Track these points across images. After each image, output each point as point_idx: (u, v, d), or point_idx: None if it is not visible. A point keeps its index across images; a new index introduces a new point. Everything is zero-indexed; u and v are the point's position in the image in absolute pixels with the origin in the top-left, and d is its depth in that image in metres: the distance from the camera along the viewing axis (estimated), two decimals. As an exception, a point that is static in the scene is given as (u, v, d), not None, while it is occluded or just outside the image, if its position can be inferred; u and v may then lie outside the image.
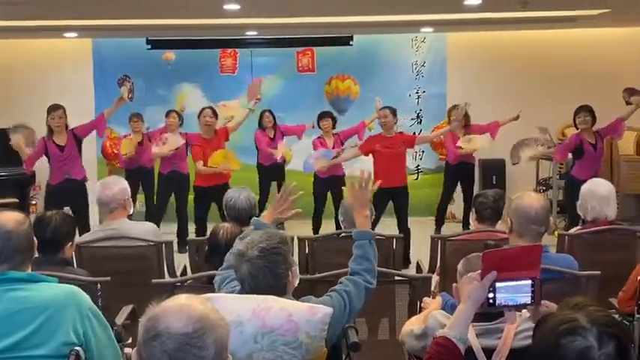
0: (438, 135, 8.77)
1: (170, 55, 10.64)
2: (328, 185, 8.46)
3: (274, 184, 9.21)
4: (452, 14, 8.90)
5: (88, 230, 5.48)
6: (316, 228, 8.41)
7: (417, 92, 10.82)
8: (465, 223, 8.93)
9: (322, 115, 8.74)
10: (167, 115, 8.66)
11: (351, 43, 10.57)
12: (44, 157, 7.40)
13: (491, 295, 2.07)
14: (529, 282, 2.07)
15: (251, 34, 10.44)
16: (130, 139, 8.97)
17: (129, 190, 4.75)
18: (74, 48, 10.59)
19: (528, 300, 2.08)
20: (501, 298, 2.08)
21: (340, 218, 5.28)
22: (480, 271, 2.11)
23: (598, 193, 4.62)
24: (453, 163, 8.89)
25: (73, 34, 10.10)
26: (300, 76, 10.82)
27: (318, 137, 8.70)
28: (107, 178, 4.94)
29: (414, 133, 10.45)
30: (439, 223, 9.11)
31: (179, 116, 8.72)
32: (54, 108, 7.34)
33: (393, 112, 7.96)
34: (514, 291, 2.08)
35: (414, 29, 10.39)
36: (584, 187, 4.71)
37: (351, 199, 3.22)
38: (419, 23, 9.76)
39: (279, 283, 2.72)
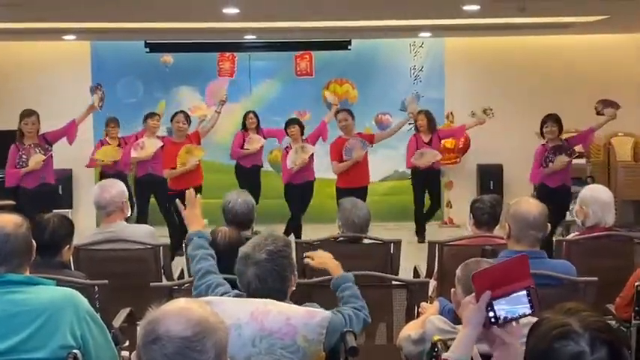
0: (395, 130, 8.80)
1: (168, 58, 10.63)
2: (301, 191, 8.53)
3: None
4: (451, 19, 8.91)
5: None
6: (298, 232, 8.42)
7: (415, 97, 10.82)
8: (418, 230, 9.26)
9: (289, 123, 8.70)
10: (150, 117, 8.61)
11: (349, 47, 10.59)
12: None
13: (491, 314, 2.08)
14: (524, 292, 2.07)
15: (249, 37, 10.45)
16: (111, 147, 8.97)
17: (127, 192, 4.76)
18: (73, 50, 10.59)
19: (528, 310, 2.09)
20: (501, 313, 2.09)
21: (338, 223, 5.27)
22: (474, 294, 2.12)
23: (600, 199, 4.61)
24: (420, 169, 9.05)
25: (72, 37, 10.11)
26: (298, 80, 10.82)
27: (286, 147, 8.68)
28: (104, 180, 4.95)
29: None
30: (421, 232, 9.22)
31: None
32: (28, 114, 7.36)
33: (352, 114, 8.23)
34: (512, 304, 2.09)
35: (412, 34, 10.42)
36: (585, 193, 4.68)
37: (316, 263, 3.41)
38: (417, 28, 9.77)
39: (284, 287, 2.74)
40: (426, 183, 9.17)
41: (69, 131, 7.71)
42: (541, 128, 7.73)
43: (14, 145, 7.41)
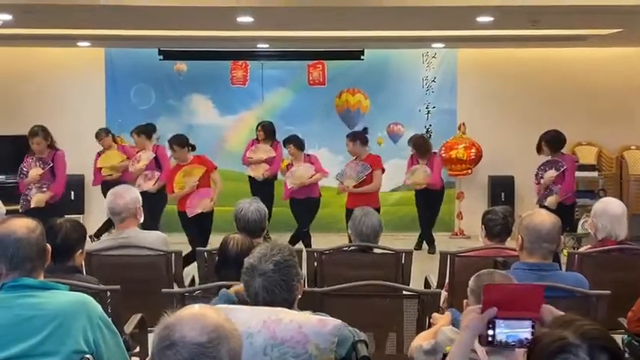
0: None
1: (182, 66, 10.69)
2: (304, 206, 8.52)
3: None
4: (464, 31, 8.91)
5: None
6: (307, 241, 8.38)
7: (426, 107, 10.83)
8: (427, 241, 9.32)
9: (286, 141, 8.66)
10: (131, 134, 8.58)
11: (362, 57, 10.60)
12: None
13: (490, 332, 2.08)
14: (529, 322, 2.07)
15: (262, 46, 10.48)
16: (111, 152, 8.93)
17: (140, 199, 4.78)
18: (87, 57, 10.65)
19: (526, 341, 2.08)
20: (500, 335, 2.09)
21: (349, 231, 5.28)
22: (480, 305, 2.12)
23: (610, 212, 4.58)
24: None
25: (86, 44, 10.17)
26: (310, 89, 10.85)
27: (287, 165, 8.69)
28: (118, 187, 4.96)
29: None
30: (431, 242, 9.31)
31: (140, 134, 8.60)
32: (33, 133, 7.23)
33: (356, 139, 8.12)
34: (513, 328, 2.08)
35: (425, 44, 10.42)
36: (596, 206, 4.68)
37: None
38: (430, 39, 9.78)
39: (292, 296, 2.73)
40: (428, 201, 9.24)
41: (56, 184, 7.46)
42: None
43: (26, 155, 7.45)
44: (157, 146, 8.61)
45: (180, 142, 7.68)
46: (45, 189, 7.32)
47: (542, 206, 7.55)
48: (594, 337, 1.72)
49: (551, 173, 7.46)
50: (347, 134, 8.33)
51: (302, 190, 8.43)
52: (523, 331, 2.06)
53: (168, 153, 8.65)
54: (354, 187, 7.95)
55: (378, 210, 7.91)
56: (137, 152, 8.58)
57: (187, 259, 7.09)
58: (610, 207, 4.63)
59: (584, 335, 1.72)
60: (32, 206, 7.19)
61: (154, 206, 7.96)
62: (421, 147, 9.17)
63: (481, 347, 2.33)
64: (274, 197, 9.14)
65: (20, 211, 7.25)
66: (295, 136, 8.72)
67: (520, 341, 2.07)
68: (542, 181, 7.50)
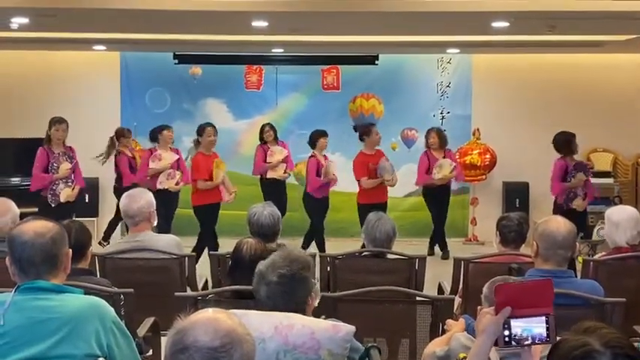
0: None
1: (197, 69, 10.72)
2: (321, 205, 8.57)
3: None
4: (479, 36, 8.89)
5: None
6: (321, 246, 8.39)
7: (441, 113, 10.80)
8: (436, 244, 9.37)
9: (321, 134, 8.73)
10: (167, 128, 8.42)
11: (376, 62, 10.59)
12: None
13: (506, 332, 2.07)
14: (543, 318, 2.06)
15: (277, 51, 10.50)
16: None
17: (154, 202, 4.78)
18: (103, 60, 10.70)
19: (544, 336, 2.07)
20: (517, 334, 2.08)
21: (362, 236, 5.27)
22: (493, 307, 2.11)
23: (610, 220, 4.63)
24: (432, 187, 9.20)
25: (102, 47, 10.22)
26: (324, 93, 10.86)
27: (310, 156, 8.68)
28: (133, 190, 4.96)
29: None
30: (443, 246, 9.29)
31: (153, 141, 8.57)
32: (59, 120, 7.49)
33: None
34: (529, 328, 2.07)
35: (440, 50, 10.41)
36: (606, 212, 4.73)
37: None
38: (445, 44, 9.77)
39: (298, 308, 2.72)
40: (439, 199, 9.26)
41: (78, 177, 7.75)
42: (569, 144, 7.73)
43: (42, 149, 7.46)
44: (177, 149, 8.63)
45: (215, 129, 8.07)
46: (70, 184, 7.56)
47: (560, 209, 7.57)
48: (618, 345, 1.72)
49: (581, 176, 7.59)
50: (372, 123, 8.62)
51: (323, 189, 8.50)
52: (538, 327, 2.05)
53: (184, 154, 8.72)
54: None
55: (386, 203, 8.21)
56: (157, 151, 8.57)
57: (199, 249, 7.20)
58: (610, 214, 4.68)
59: (609, 343, 1.71)
60: (63, 201, 7.48)
61: (167, 208, 7.99)
62: (443, 138, 9.25)
63: (495, 352, 2.32)
64: (287, 202, 9.14)
65: (52, 205, 7.45)
66: (325, 131, 8.83)
67: (540, 339, 2.06)
68: (573, 180, 7.64)
